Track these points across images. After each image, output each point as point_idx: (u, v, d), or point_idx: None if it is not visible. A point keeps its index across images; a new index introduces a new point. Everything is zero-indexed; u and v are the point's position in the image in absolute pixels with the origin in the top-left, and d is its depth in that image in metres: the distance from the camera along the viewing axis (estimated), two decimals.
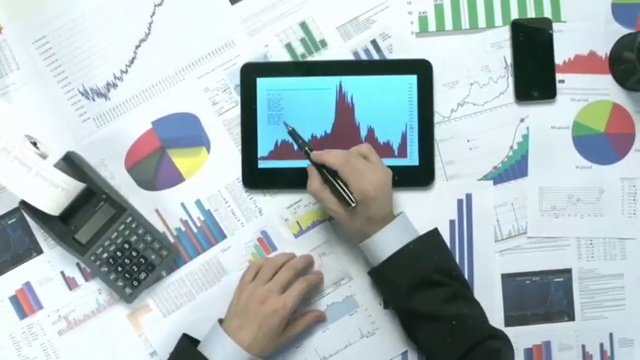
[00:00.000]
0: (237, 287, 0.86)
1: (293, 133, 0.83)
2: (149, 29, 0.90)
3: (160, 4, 0.90)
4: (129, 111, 0.90)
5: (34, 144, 0.84)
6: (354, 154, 0.82)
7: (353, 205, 0.79)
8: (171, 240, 0.90)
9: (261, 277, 0.85)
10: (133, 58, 0.90)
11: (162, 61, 0.90)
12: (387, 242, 0.82)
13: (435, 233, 0.85)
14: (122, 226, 0.87)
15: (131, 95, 0.90)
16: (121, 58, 0.90)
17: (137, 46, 0.90)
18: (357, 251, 0.89)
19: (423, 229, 0.86)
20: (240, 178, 0.90)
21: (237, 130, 0.90)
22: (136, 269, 0.88)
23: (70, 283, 0.89)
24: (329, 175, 0.81)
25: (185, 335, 0.86)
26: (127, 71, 0.90)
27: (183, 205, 0.90)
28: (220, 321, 0.85)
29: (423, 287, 0.81)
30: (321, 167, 0.81)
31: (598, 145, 0.91)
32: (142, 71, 0.90)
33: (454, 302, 0.81)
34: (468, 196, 0.90)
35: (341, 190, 0.80)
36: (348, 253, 0.90)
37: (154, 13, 0.90)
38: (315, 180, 0.81)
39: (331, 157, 0.80)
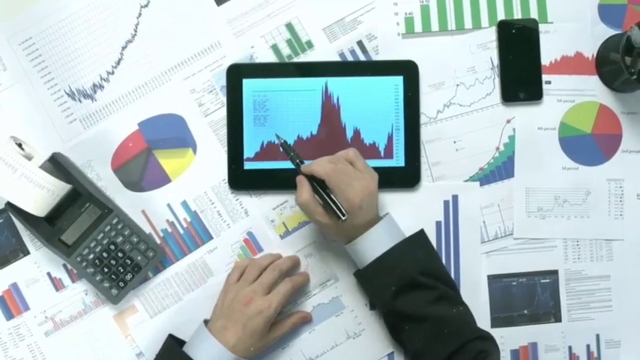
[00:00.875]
0: (223, 288, 0.87)
1: (285, 145, 0.82)
2: (135, 30, 0.90)
3: (145, 6, 0.90)
4: (115, 112, 0.90)
5: (20, 145, 0.84)
6: (342, 160, 0.81)
7: (343, 218, 0.79)
8: (158, 241, 0.90)
9: (247, 277, 0.85)
10: (120, 60, 0.90)
11: (149, 62, 0.90)
12: (373, 245, 0.82)
13: (420, 235, 0.85)
14: (108, 227, 0.87)
15: (117, 96, 0.90)
16: (107, 59, 0.90)
17: (123, 48, 0.90)
18: (344, 253, 0.89)
19: (409, 231, 0.86)
20: (226, 180, 0.90)
21: (224, 131, 0.90)
22: (122, 270, 0.88)
23: (57, 284, 0.90)
24: (318, 187, 0.80)
25: (171, 336, 0.86)
26: (113, 72, 0.90)
27: (169, 206, 0.90)
28: (206, 322, 0.85)
29: (409, 289, 0.81)
30: (311, 179, 0.81)
31: (585, 146, 0.91)
32: (128, 72, 0.90)
33: (440, 304, 0.81)
34: (454, 198, 0.90)
35: (331, 203, 0.79)
36: (335, 255, 0.90)
37: (140, 15, 0.90)
38: (305, 191, 0.80)
39: (319, 167, 0.79)
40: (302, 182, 0.81)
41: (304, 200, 0.80)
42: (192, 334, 0.84)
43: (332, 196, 0.79)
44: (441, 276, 0.83)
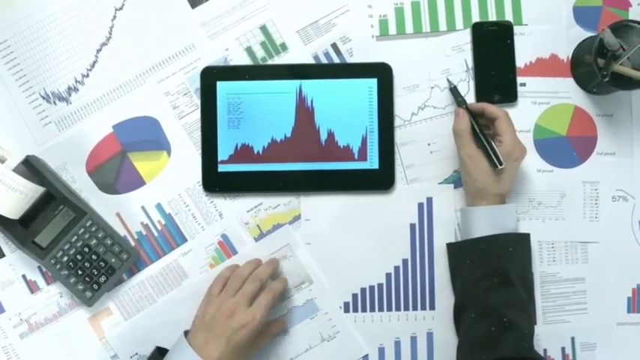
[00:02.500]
0: (204, 300, 0.85)
1: (455, 90, 0.87)
2: (110, 33, 0.90)
3: (120, 8, 0.90)
4: (90, 115, 0.90)
5: None
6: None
7: (500, 167, 0.81)
8: (132, 243, 0.90)
9: (229, 289, 0.84)
10: (95, 62, 0.90)
11: (123, 64, 0.90)
12: (487, 222, 0.82)
13: (528, 238, 0.86)
14: (82, 230, 0.87)
15: (92, 99, 0.90)
16: (82, 62, 0.90)
17: (98, 50, 0.90)
18: (318, 254, 0.89)
19: (384, 233, 0.87)
20: (201, 182, 0.90)
21: (198, 133, 0.90)
22: (96, 273, 0.88)
23: (32, 287, 0.90)
24: (480, 129, 0.83)
25: (158, 348, 0.86)
26: (88, 75, 0.90)
27: (144, 208, 0.90)
28: (186, 333, 0.83)
29: (498, 281, 0.81)
30: (475, 118, 0.84)
31: (560, 148, 0.91)
32: (103, 75, 0.90)
33: (513, 308, 0.81)
34: (429, 200, 0.90)
35: (489, 149, 0.82)
36: (309, 257, 0.90)
37: (115, 17, 0.90)
38: (464, 120, 0.83)
39: (493, 106, 0.84)
40: (462, 112, 0.84)
41: (462, 127, 0.83)
42: (172, 346, 0.83)
43: (492, 142, 0.82)
44: (528, 285, 0.84)
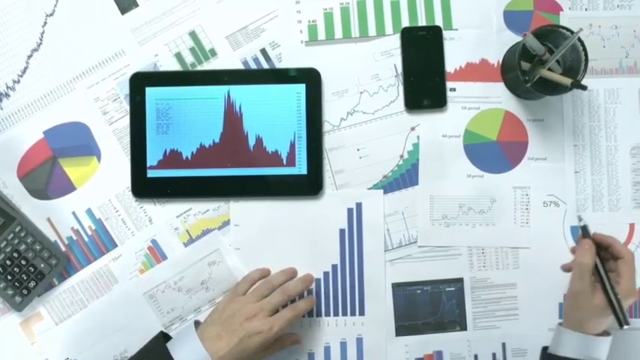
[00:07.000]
0: (227, 296, 0.85)
1: (585, 229, 0.82)
2: (41, 39, 0.91)
3: (51, 14, 0.91)
4: (21, 120, 0.90)
5: None
6: None
7: (625, 327, 0.76)
8: (63, 249, 0.90)
9: (256, 292, 0.83)
10: (25, 68, 0.90)
11: (54, 70, 0.90)
12: (577, 349, 0.80)
13: None
14: (11, 235, 0.87)
15: (23, 105, 0.90)
16: (13, 67, 0.90)
17: (29, 56, 0.91)
18: (248, 259, 0.89)
19: (313, 239, 0.89)
20: (130, 187, 0.90)
21: (128, 139, 0.90)
22: (25, 278, 0.88)
23: None
24: (607, 275, 0.79)
25: (162, 332, 0.85)
26: (19, 81, 0.90)
27: (74, 214, 0.90)
28: (196, 324, 0.83)
29: None
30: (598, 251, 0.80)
31: (490, 153, 0.90)
32: (34, 81, 0.90)
33: None
34: (358, 205, 0.90)
35: (616, 305, 0.77)
36: (239, 262, 0.90)
37: (45, 23, 0.91)
38: (590, 254, 0.79)
39: (621, 245, 0.80)
40: (589, 245, 0.80)
41: (586, 261, 0.79)
42: (178, 331, 0.81)
43: (615, 289, 0.78)
44: None
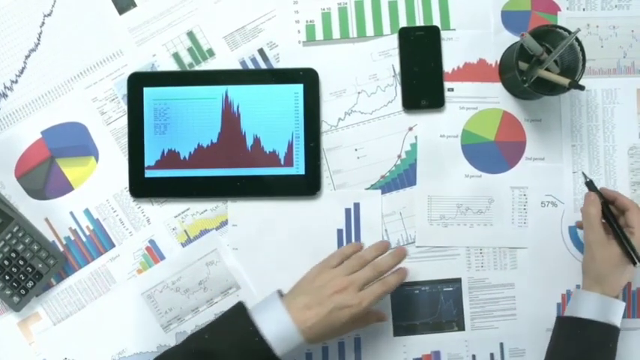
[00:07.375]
0: (317, 267, 0.82)
1: (590, 184, 0.85)
2: (39, 39, 0.91)
3: (49, 15, 0.91)
4: (19, 121, 0.90)
5: None
6: None
7: (638, 264, 0.80)
8: (61, 249, 0.90)
9: (348, 266, 0.80)
10: (23, 68, 0.90)
11: (52, 70, 0.90)
12: (596, 310, 0.81)
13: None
14: (9, 235, 0.88)
15: (21, 105, 0.90)
16: (10, 68, 0.90)
17: (27, 57, 0.91)
18: (245, 260, 0.89)
19: (311, 239, 0.88)
20: (128, 188, 0.90)
21: (125, 139, 0.90)
22: (23, 278, 0.88)
23: None
24: (613, 217, 0.82)
25: (240, 302, 0.80)
26: (17, 81, 0.90)
27: (72, 214, 0.90)
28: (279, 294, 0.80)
29: None
30: (607, 204, 0.83)
31: (488, 153, 0.90)
32: (31, 81, 0.90)
33: None
34: (356, 205, 0.90)
35: (627, 245, 0.80)
36: (236, 262, 0.90)
37: (43, 24, 0.91)
38: (596, 204, 0.82)
39: (625, 197, 0.83)
40: (593, 196, 0.83)
41: (592, 211, 0.82)
42: (261, 301, 0.79)
43: (626, 233, 0.81)
44: None
